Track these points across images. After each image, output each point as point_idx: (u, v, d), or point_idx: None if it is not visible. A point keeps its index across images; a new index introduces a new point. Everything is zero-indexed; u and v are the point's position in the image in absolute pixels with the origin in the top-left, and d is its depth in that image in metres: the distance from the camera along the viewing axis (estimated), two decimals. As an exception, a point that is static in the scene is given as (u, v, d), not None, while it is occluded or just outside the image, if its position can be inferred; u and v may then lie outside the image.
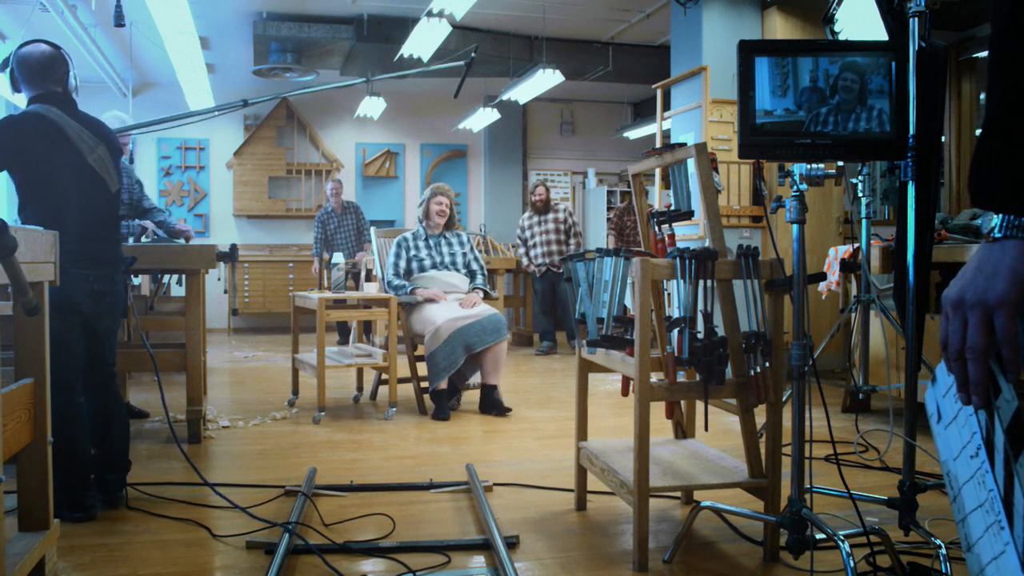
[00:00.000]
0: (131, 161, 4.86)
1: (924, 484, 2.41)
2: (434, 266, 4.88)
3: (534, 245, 7.72)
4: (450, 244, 5.01)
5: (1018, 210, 0.92)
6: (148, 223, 4.61)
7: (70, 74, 2.90)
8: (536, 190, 7.75)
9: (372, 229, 5.46)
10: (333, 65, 8.15)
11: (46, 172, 2.73)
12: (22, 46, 2.87)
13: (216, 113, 3.94)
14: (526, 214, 7.92)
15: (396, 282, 4.85)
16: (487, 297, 4.99)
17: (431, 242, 4.96)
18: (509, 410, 4.66)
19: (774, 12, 6.07)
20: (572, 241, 7.70)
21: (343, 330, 7.94)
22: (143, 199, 4.74)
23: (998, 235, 0.93)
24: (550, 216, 7.68)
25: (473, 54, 4.15)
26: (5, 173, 2.79)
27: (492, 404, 4.68)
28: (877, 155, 2.43)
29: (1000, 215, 0.94)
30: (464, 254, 5.02)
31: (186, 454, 3.25)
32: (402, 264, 4.87)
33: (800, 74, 2.06)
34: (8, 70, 2.90)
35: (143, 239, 4.38)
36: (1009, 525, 0.90)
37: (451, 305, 4.69)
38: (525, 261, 7.81)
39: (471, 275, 5.02)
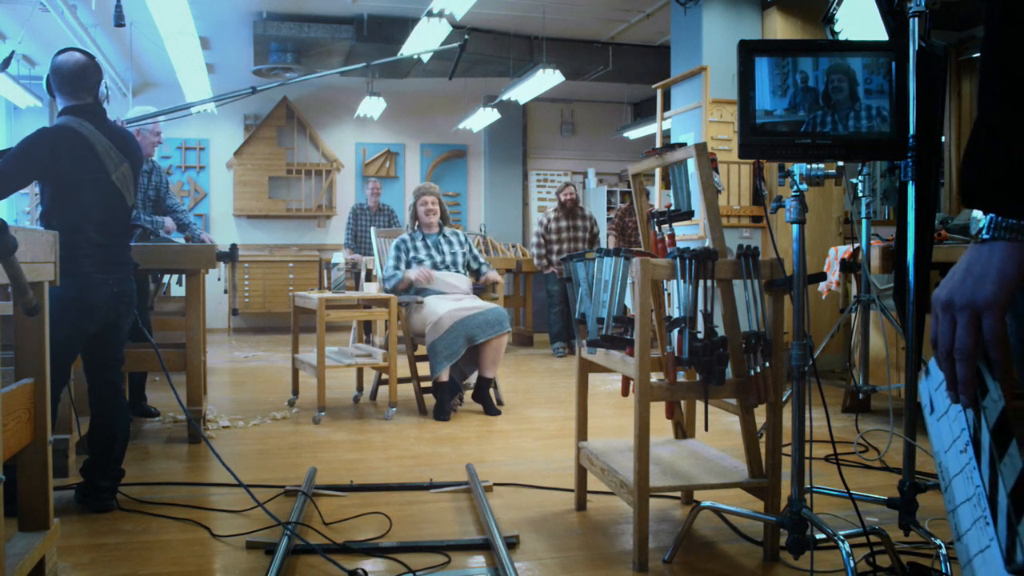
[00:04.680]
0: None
1: (924, 484, 2.41)
2: (434, 266, 4.87)
3: (559, 241, 7.34)
4: (450, 243, 4.97)
5: (1006, 210, 0.91)
6: (168, 219, 4.65)
7: (101, 83, 2.97)
8: (566, 188, 7.37)
9: (372, 230, 5.46)
10: (333, 65, 8.14)
11: (73, 185, 2.82)
12: (58, 53, 2.93)
13: (221, 102, 4.04)
14: (550, 212, 7.48)
15: (388, 273, 4.85)
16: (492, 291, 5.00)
17: (429, 241, 4.93)
18: (498, 412, 4.67)
19: (774, 12, 6.07)
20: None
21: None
22: (167, 195, 4.75)
23: (986, 236, 0.92)
24: (579, 222, 7.40)
25: (467, 36, 4.19)
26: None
27: (484, 398, 4.70)
28: (877, 155, 2.43)
29: (988, 215, 0.93)
30: (464, 254, 5.00)
31: (215, 451, 3.25)
32: (402, 267, 4.87)
33: (800, 74, 2.06)
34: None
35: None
36: (994, 522, 0.92)
37: (452, 299, 4.68)
38: (543, 262, 7.40)
39: (475, 273, 5.03)
